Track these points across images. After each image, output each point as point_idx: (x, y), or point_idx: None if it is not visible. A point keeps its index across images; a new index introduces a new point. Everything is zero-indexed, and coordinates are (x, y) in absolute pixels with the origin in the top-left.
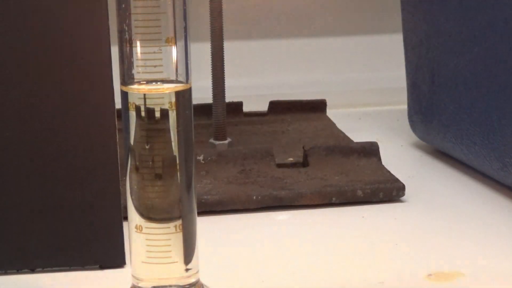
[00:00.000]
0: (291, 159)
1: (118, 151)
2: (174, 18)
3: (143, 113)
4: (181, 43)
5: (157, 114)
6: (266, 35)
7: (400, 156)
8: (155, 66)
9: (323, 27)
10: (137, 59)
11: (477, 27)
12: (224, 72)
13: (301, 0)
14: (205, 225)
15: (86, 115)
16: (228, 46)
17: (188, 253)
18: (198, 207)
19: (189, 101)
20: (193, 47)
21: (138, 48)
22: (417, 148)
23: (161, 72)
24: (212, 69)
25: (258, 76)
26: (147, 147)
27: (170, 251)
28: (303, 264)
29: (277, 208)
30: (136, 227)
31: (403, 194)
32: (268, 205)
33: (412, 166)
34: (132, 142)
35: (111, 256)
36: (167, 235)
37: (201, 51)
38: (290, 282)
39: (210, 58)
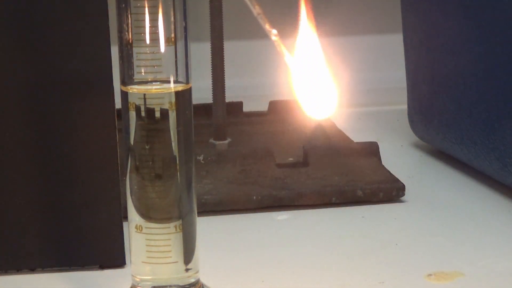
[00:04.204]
0: (291, 159)
1: (118, 151)
2: (174, 18)
3: (143, 113)
4: (181, 43)
5: (157, 114)
6: (266, 35)
7: (400, 156)
8: (155, 66)
9: (322, 27)
10: (137, 59)
11: (477, 27)
12: (224, 72)
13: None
14: (205, 225)
15: (86, 115)
16: (228, 46)
17: (188, 253)
18: (198, 207)
19: (189, 101)
20: (193, 47)
21: (138, 48)
22: (417, 148)
23: (161, 72)
24: (212, 69)
25: (258, 76)
26: (147, 147)
27: (170, 251)
28: (303, 264)
29: (277, 208)
30: (136, 227)
31: (403, 194)
32: (268, 205)
33: (412, 166)
34: (132, 142)
35: (111, 256)
36: (167, 235)
37: (201, 51)
38: (290, 282)
39: (210, 58)
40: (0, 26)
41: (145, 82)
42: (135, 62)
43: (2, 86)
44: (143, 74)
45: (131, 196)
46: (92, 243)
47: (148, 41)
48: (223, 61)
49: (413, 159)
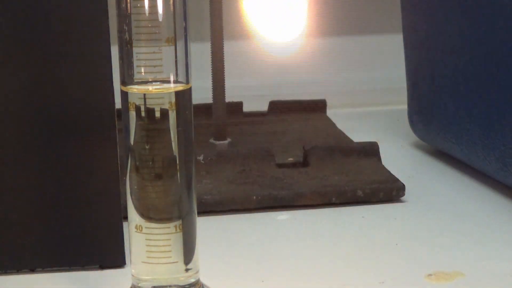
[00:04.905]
0: (291, 159)
1: (118, 151)
2: (174, 18)
3: (143, 113)
4: (181, 43)
5: (157, 114)
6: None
7: (400, 156)
8: (155, 66)
9: (322, 27)
10: (137, 59)
11: (477, 27)
12: (224, 72)
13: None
14: (205, 225)
15: (86, 115)
16: (228, 46)
17: (188, 253)
18: (198, 207)
19: (189, 101)
20: (193, 47)
21: (138, 48)
22: (417, 148)
23: (161, 72)
24: (212, 69)
25: (258, 76)
26: (147, 147)
27: (170, 251)
28: (303, 264)
29: (277, 208)
30: (136, 227)
31: (403, 194)
32: (268, 205)
33: (412, 166)
34: (132, 142)
35: (111, 256)
36: (167, 235)
37: (201, 51)
38: (290, 282)
39: (210, 58)
40: (1, 25)
41: (145, 82)
42: (135, 62)
43: (2, 87)
44: (143, 74)
45: (131, 196)
46: (92, 243)
47: (148, 41)
48: (223, 61)
49: (413, 159)
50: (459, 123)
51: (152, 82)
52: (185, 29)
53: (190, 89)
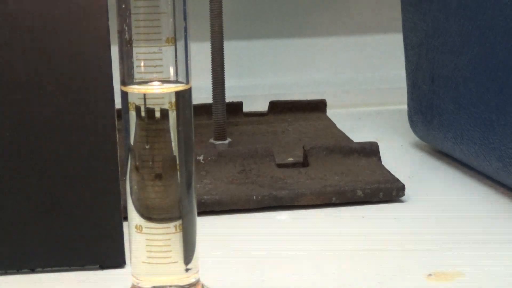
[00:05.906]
0: (291, 159)
1: (118, 151)
2: (174, 18)
3: (143, 113)
4: (181, 43)
5: (157, 114)
6: (266, 35)
7: (400, 156)
8: (155, 66)
9: (323, 27)
10: (137, 59)
11: (477, 27)
12: (224, 72)
13: (301, 0)
14: (205, 225)
15: (86, 115)
16: (228, 46)
17: (188, 253)
18: (198, 207)
19: (189, 101)
20: (193, 47)
21: (138, 48)
22: (417, 148)
23: (161, 72)
24: (212, 69)
25: (258, 76)
26: (147, 147)
27: (170, 251)
28: (303, 264)
29: (277, 208)
30: (136, 227)
31: (403, 194)
32: (268, 205)
33: (412, 166)
34: (132, 142)
35: (111, 256)
36: (167, 235)
37: (201, 51)
38: (290, 282)
39: (210, 58)
40: (2, 25)
41: (145, 82)
42: (135, 62)
43: (2, 88)
44: (143, 74)
45: (131, 196)
46: (92, 243)
47: (148, 41)
48: (223, 61)
49: (413, 159)
50: (459, 123)
51: (152, 82)
52: (185, 29)
53: (190, 89)
